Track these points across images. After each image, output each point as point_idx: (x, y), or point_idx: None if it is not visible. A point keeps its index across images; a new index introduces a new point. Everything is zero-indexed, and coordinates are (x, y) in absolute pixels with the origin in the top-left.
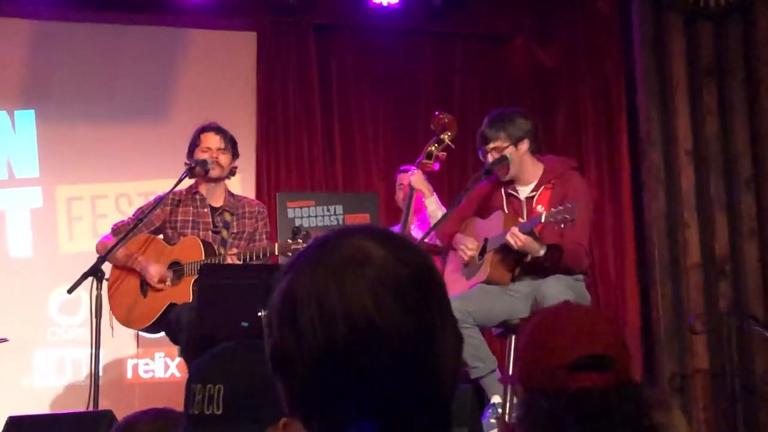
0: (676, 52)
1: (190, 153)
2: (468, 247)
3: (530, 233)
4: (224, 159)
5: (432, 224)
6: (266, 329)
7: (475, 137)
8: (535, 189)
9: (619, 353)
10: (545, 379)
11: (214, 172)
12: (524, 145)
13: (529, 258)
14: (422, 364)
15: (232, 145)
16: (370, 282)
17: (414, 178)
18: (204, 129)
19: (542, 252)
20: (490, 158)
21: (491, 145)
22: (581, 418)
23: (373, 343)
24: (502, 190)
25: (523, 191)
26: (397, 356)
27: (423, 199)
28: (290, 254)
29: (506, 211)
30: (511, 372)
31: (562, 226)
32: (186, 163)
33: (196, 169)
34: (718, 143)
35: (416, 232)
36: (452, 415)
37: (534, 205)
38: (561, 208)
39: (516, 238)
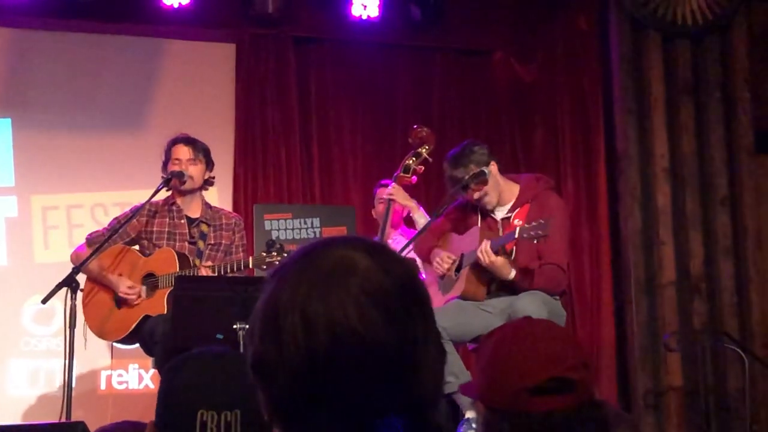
0: (654, 70)
1: (164, 167)
2: (443, 260)
3: (504, 253)
4: (194, 170)
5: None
6: (249, 336)
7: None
8: (511, 209)
9: (581, 374)
10: (507, 401)
11: (186, 185)
12: (493, 167)
13: (493, 286)
14: (403, 376)
15: (204, 156)
16: (354, 292)
17: (398, 195)
18: (174, 141)
19: (512, 276)
20: (473, 194)
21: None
22: None
23: (355, 354)
24: (478, 212)
25: (500, 212)
26: (379, 367)
27: (412, 214)
28: (265, 267)
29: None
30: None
31: (536, 242)
32: (162, 177)
33: (173, 180)
34: (694, 161)
35: (394, 246)
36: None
37: (511, 223)
38: (534, 223)
39: (485, 255)
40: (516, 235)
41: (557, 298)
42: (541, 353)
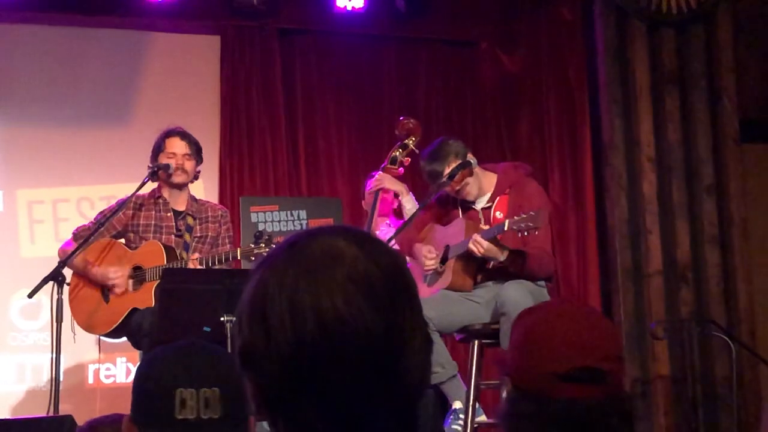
0: (639, 59)
1: (154, 157)
2: (428, 257)
3: (492, 239)
4: (189, 165)
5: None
6: (236, 326)
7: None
8: (491, 199)
9: (613, 366)
10: (535, 383)
11: (179, 179)
12: (472, 159)
13: (491, 264)
14: (390, 365)
15: (197, 151)
16: (341, 280)
17: (386, 181)
18: (169, 133)
19: (503, 257)
20: (455, 186)
21: (447, 171)
22: (563, 428)
23: (342, 342)
24: (458, 205)
25: (479, 202)
26: (366, 356)
27: (400, 198)
28: (253, 259)
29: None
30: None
31: (526, 234)
32: (149, 167)
33: (159, 172)
34: (680, 150)
35: (383, 235)
36: (419, 417)
37: (492, 212)
38: (524, 215)
39: (478, 245)
40: (506, 228)
41: (543, 285)
42: (577, 340)
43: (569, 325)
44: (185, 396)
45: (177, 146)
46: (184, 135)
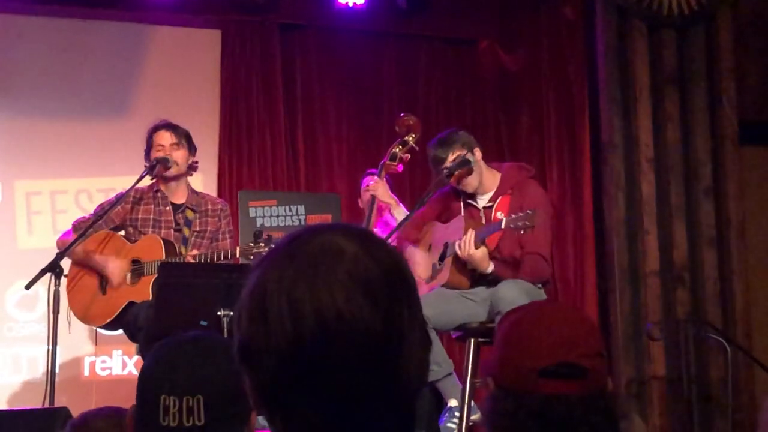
0: (639, 59)
1: (147, 155)
2: (418, 265)
3: (484, 244)
4: (178, 155)
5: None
6: (235, 322)
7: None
8: (493, 198)
9: (594, 363)
10: (515, 380)
11: (171, 170)
12: (478, 153)
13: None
14: (388, 363)
15: (186, 140)
16: (341, 277)
17: (379, 191)
18: (155, 128)
19: (490, 269)
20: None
21: (451, 158)
22: (543, 425)
23: (341, 339)
24: (461, 200)
25: (482, 200)
26: (364, 353)
27: (392, 211)
28: (252, 257)
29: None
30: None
31: (522, 232)
32: (146, 165)
33: (157, 167)
34: (679, 151)
35: (380, 234)
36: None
37: (494, 213)
38: (521, 214)
39: (466, 246)
40: (503, 226)
41: (540, 286)
42: (556, 336)
43: (550, 323)
44: (168, 404)
45: (163, 138)
46: (168, 126)
